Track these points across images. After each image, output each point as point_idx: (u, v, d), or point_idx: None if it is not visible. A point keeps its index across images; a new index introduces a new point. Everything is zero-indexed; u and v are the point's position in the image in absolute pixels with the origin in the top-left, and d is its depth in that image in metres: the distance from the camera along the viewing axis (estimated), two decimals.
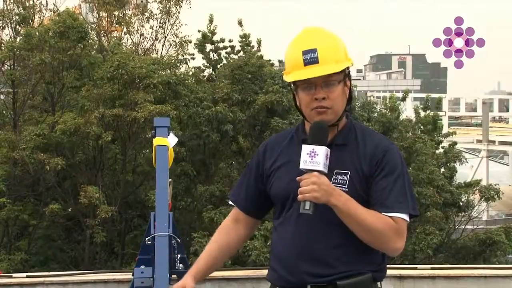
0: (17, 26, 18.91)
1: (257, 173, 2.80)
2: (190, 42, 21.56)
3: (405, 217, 2.59)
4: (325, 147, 2.52)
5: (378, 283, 2.69)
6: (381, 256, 2.68)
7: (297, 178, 2.52)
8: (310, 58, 2.58)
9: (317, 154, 2.50)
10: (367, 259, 2.62)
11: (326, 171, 2.51)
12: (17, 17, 18.87)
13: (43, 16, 20.07)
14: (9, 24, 18.94)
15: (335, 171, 2.59)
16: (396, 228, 2.57)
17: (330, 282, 2.58)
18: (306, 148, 2.52)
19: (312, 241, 2.60)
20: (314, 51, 2.58)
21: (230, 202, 2.90)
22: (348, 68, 2.66)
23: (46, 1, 20.16)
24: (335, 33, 2.69)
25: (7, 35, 19.22)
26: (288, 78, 2.65)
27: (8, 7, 18.91)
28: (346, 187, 2.58)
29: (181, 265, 4.68)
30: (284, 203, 2.68)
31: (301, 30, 2.71)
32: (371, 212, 2.55)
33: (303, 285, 2.61)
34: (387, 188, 2.58)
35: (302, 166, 2.52)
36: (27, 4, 19.15)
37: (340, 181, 2.59)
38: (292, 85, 2.68)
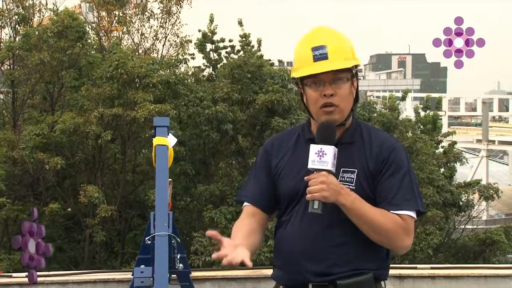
0: (17, 26, 18.90)
1: (267, 169, 2.77)
2: (191, 41, 21.57)
3: (413, 214, 2.61)
4: (333, 147, 2.53)
5: (382, 282, 2.69)
6: (385, 254, 2.68)
7: (305, 177, 2.52)
8: (320, 54, 2.59)
9: (326, 154, 2.51)
10: (371, 258, 2.62)
11: (334, 170, 2.52)
12: (16, 17, 18.86)
13: (43, 16, 20.07)
14: (8, 24, 18.94)
15: (342, 169, 2.59)
16: (404, 226, 2.58)
17: (331, 281, 2.58)
18: (314, 148, 2.53)
19: (315, 239, 2.60)
20: (323, 47, 2.59)
21: (245, 204, 2.81)
22: (356, 67, 2.67)
23: (46, 1, 20.18)
24: (344, 33, 2.71)
25: (6, 34, 19.25)
26: (297, 74, 2.65)
27: (8, 7, 18.90)
28: (353, 185, 2.59)
29: (181, 265, 4.67)
30: (290, 202, 2.68)
31: (311, 29, 2.72)
32: (379, 211, 2.56)
33: (305, 283, 2.61)
34: (394, 186, 2.59)
35: (310, 165, 2.52)
36: (26, 4, 19.13)
37: (348, 179, 2.60)
38: (300, 83, 2.67)
